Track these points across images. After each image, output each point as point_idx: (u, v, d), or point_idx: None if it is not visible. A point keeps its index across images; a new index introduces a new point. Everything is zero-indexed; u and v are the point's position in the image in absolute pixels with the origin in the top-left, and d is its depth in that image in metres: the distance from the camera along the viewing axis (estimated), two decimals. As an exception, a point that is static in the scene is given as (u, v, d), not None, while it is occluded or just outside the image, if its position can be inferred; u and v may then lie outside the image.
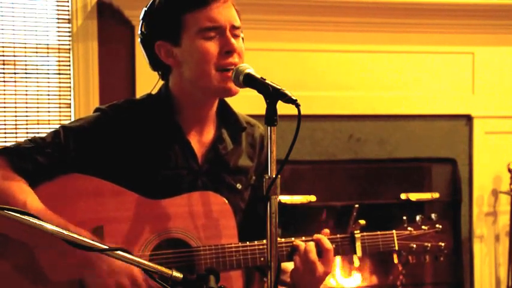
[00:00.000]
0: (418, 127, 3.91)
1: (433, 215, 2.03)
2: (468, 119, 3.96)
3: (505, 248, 3.96)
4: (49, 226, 1.31)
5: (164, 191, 1.79)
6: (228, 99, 1.91)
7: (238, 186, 1.91)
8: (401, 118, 3.90)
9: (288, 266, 1.85)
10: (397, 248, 1.96)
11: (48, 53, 3.54)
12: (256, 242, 1.82)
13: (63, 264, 1.68)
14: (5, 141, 3.47)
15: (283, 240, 1.85)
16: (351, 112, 3.83)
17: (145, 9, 1.80)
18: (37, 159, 1.73)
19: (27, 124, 3.52)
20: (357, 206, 1.93)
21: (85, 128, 1.78)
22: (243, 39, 1.81)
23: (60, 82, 3.55)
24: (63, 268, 1.69)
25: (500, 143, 3.97)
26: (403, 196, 3.92)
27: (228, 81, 1.73)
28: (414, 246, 1.97)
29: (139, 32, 1.82)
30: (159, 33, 1.78)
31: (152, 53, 1.80)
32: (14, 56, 3.50)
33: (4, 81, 3.49)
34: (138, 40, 1.85)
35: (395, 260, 2.02)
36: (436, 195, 3.93)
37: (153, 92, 1.89)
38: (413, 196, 3.91)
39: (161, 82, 1.89)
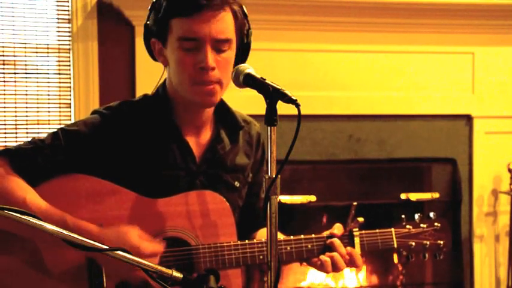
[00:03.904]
0: (418, 127, 3.91)
1: (431, 214, 2.03)
2: (468, 119, 3.96)
3: (505, 248, 3.96)
4: (49, 226, 1.32)
5: (163, 191, 1.79)
6: (228, 99, 1.91)
7: (236, 184, 1.92)
8: (401, 118, 3.90)
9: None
10: (395, 245, 1.96)
11: (48, 53, 3.54)
12: (255, 241, 1.83)
13: (68, 253, 1.68)
14: (5, 141, 3.47)
15: (282, 238, 1.85)
16: (350, 112, 3.83)
17: (153, 1, 1.81)
18: (37, 160, 1.73)
19: (27, 124, 3.52)
20: (355, 203, 1.93)
21: (84, 130, 1.78)
22: (249, 44, 1.81)
23: (60, 82, 3.55)
24: (68, 257, 1.69)
25: (500, 143, 3.97)
26: (403, 196, 3.92)
27: (203, 94, 1.74)
28: (413, 244, 1.97)
29: (145, 22, 1.83)
30: (153, 31, 1.79)
31: (149, 47, 1.83)
32: (14, 56, 3.50)
33: (4, 81, 3.49)
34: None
35: (396, 260, 2.03)
36: (436, 195, 3.93)
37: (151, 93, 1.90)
38: (413, 196, 3.91)
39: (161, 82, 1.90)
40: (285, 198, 3.74)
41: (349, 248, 1.88)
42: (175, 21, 1.73)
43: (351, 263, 1.88)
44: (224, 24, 1.73)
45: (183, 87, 1.76)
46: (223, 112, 1.92)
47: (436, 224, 2.01)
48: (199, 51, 1.71)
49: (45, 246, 1.70)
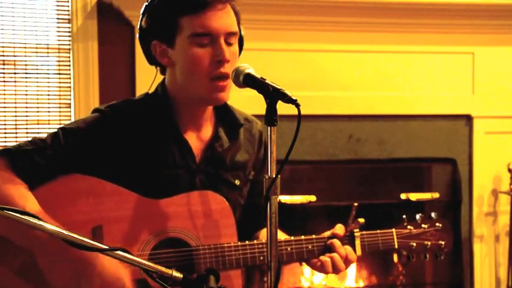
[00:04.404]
0: (418, 127, 3.91)
1: (433, 214, 2.02)
2: (468, 119, 3.96)
3: (505, 248, 3.96)
4: (49, 226, 1.31)
5: (163, 190, 1.79)
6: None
7: (237, 182, 1.92)
8: (401, 118, 3.89)
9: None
10: (396, 246, 1.95)
11: (48, 53, 3.54)
12: (255, 241, 1.83)
13: (60, 270, 1.68)
14: (5, 141, 3.47)
15: (282, 239, 1.85)
16: (351, 112, 3.83)
17: (146, 4, 1.81)
18: (37, 161, 1.73)
19: (27, 124, 3.51)
20: (356, 204, 1.92)
21: (84, 129, 1.78)
22: (242, 38, 1.82)
23: (60, 82, 3.55)
24: (60, 273, 1.68)
25: (500, 143, 3.97)
26: (403, 196, 3.92)
27: (218, 91, 1.75)
28: (414, 244, 1.96)
29: (138, 26, 1.82)
30: (155, 32, 1.78)
31: (148, 50, 1.81)
32: (14, 56, 3.50)
33: (4, 81, 3.48)
34: (137, 35, 1.85)
35: (396, 260, 2.02)
36: (436, 195, 3.92)
37: (150, 91, 1.89)
38: (413, 196, 3.91)
39: (158, 80, 1.89)
40: (285, 198, 3.73)
41: (346, 247, 1.88)
42: (185, 19, 1.73)
43: (347, 260, 1.88)
44: (232, 18, 1.77)
45: (197, 84, 1.75)
46: (223, 110, 1.92)
47: (437, 224, 2.00)
48: (214, 45, 1.73)
49: (41, 253, 1.70)
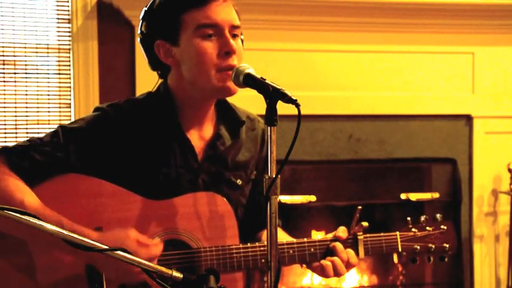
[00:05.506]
0: (418, 127, 3.91)
1: (438, 216, 1.99)
2: (468, 119, 3.96)
3: (505, 248, 3.96)
4: (49, 226, 1.31)
5: (165, 190, 1.79)
6: (228, 99, 1.91)
7: (239, 182, 1.91)
8: (401, 118, 3.90)
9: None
10: (400, 249, 1.94)
11: (48, 53, 3.54)
12: (257, 244, 1.82)
13: (66, 258, 1.68)
14: (5, 141, 3.47)
15: (285, 241, 1.85)
16: (351, 112, 3.83)
17: (146, 8, 1.81)
18: (35, 158, 1.72)
19: (27, 124, 3.51)
20: (360, 207, 1.91)
21: (84, 128, 1.78)
22: (242, 41, 1.82)
23: (60, 82, 3.55)
24: (66, 262, 1.68)
25: (500, 143, 3.97)
26: (403, 196, 3.92)
27: (227, 80, 1.73)
28: (418, 247, 1.94)
29: (139, 31, 1.83)
30: (158, 32, 1.78)
31: (152, 52, 1.80)
32: (14, 56, 3.50)
33: (4, 81, 3.49)
34: (138, 40, 1.85)
35: (395, 260, 2.01)
36: (436, 195, 3.92)
37: (153, 91, 1.89)
38: (413, 196, 3.91)
39: (161, 80, 1.90)
40: (285, 198, 3.73)
41: (348, 250, 1.87)
42: (189, 14, 1.73)
43: (348, 264, 1.87)
44: (234, 12, 1.78)
45: (206, 76, 1.74)
46: (225, 109, 1.92)
47: (442, 226, 1.98)
48: (220, 37, 1.73)
49: (38, 251, 1.69)
